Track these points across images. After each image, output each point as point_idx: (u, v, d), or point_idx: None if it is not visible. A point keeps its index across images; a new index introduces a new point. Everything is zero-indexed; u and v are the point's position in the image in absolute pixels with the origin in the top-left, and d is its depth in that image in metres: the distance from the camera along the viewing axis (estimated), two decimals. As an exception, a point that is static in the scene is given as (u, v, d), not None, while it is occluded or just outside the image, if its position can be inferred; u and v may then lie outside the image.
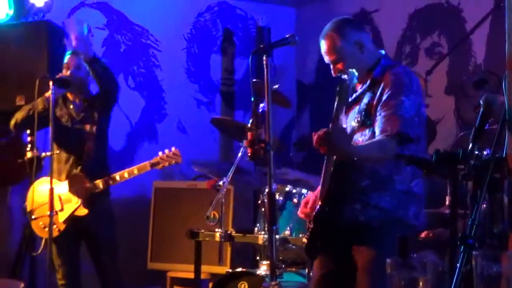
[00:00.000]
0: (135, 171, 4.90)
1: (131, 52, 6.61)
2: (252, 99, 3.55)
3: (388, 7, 6.54)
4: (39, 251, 4.96)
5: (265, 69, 3.36)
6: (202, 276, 4.94)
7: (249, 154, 3.68)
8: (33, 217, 4.93)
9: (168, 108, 6.75)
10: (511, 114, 2.69)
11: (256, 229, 4.49)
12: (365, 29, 3.59)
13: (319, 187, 3.44)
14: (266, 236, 4.21)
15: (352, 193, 3.38)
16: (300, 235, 4.23)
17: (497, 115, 2.74)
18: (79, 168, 4.91)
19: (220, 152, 6.92)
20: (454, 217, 2.67)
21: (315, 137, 3.14)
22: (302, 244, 3.65)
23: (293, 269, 4.45)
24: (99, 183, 4.88)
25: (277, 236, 4.07)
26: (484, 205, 3.38)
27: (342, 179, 3.33)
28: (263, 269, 4.37)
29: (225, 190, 4.41)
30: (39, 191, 4.90)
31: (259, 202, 4.55)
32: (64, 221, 4.88)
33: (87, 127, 4.97)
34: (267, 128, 3.36)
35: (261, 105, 3.71)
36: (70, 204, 4.89)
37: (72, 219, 4.88)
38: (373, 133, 3.36)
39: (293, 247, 4.30)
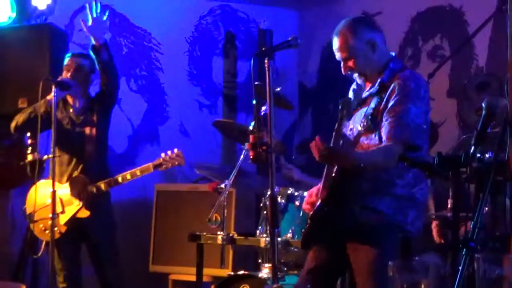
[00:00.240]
0: (138, 173, 4.89)
1: (133, 55, 6.61)
2: (254, 101, 3.55)
3: (390, 10, 6.53)
4: (40, 253, 4.95)
5: (267, 72, 3.36)
6: (204, 279, 4.93)
7: (251, 157, 3.70)
8: (33, 219, 4.92)
9: (170, 110, 6.75)
10: (513, 117, 2.69)
11: (258, 232, 4.49)
12: (379, 29, 3.57)
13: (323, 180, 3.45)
14: (268, 239, 4.21)
15: (352, 195, 3.38)
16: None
17: (499, 118, 2.74)
18: (80, 170, 4.91)
19: (222, 154, 6.91)
20: (456, 220, 2.66)
21: (315, 151, 3.19)
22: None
23: (295, 272, 4.44)
24: (101, 185, 4.88)
25: (279, 239, 4.07)
26: (487, 208, 3.38)
27: (343, 182, 3.34)
28: (265, 272, 4.37)
29: (227, 192, 4.41)
30: (40, 193, 4.89)
31: (261, 204, 4.55)
32: (65, 224, 4.87)
33: (87, 129, 4.96)
34: (269, 131, 3.36)
35: (263, 108, 3.71)
36: (72, 207, 4.88)
37: (73, 222, 4.88)
38: (380, 138, 3.37)
39: (295, 250, 4.29)
